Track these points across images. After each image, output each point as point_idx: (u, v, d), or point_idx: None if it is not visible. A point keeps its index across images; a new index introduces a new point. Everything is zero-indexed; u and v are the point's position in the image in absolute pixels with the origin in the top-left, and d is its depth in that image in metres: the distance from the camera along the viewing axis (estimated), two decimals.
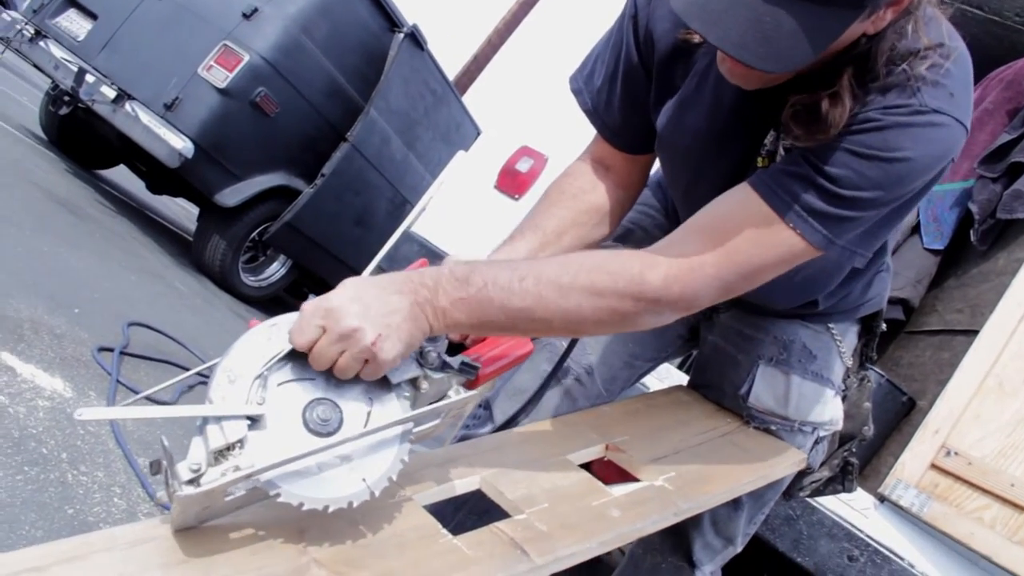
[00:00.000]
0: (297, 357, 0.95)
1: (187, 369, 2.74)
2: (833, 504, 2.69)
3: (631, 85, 1.34)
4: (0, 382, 1.77)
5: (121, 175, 6.69)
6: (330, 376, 0.96)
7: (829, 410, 1.47)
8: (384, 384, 0.99)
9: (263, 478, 0.90)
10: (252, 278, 5.58)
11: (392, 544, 1.03)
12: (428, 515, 1.09)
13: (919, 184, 1.07)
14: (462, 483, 1.18)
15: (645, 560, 1.57)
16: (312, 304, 0.94)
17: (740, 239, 1.07)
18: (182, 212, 8.32)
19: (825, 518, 2.67)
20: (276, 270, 5.76)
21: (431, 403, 1.03)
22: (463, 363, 1.04)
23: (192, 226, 5.87)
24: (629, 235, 1.53)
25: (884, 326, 1.56)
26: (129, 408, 0.90)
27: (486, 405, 1.45)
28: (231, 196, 5.01)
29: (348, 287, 0.96)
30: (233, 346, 0.93)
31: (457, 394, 1.04)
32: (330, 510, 0.95)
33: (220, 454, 0.89)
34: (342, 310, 0.92)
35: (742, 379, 1.46)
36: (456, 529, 1.08)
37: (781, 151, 1.15)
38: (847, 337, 1.50)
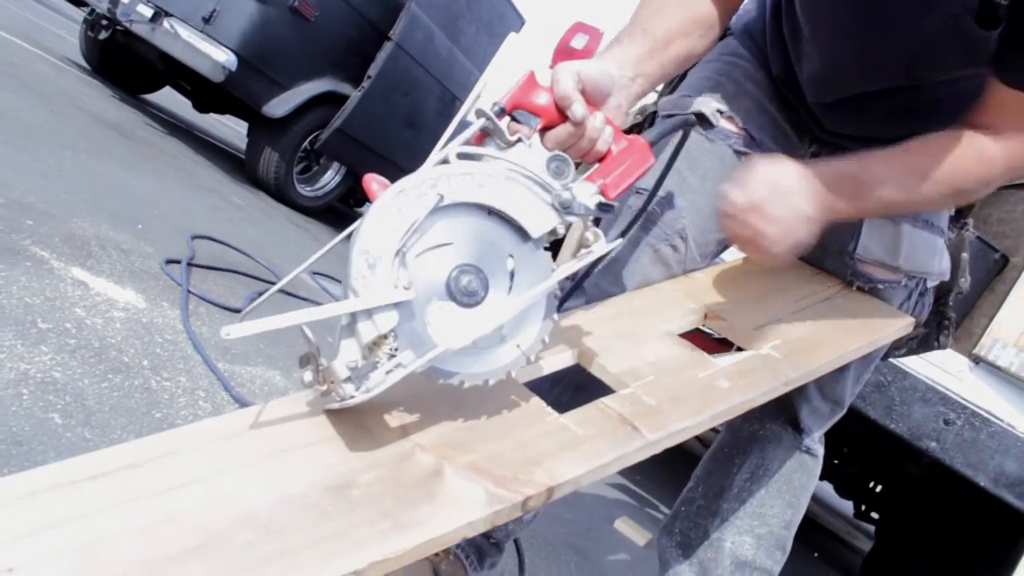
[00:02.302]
0: (430, 220, 0.88)
1: (255, 278, 2.72)
2: (926, 368, 2.60)
3: None
4: (75, 296, 1.74)
5: (167, 98, 6.65)
6: (467, 237, 0.90)
7: (938, 260, 1.37)
8: (523, 236, 0.93)
9: (422, 368, 0.86)
10: (307, 188, 5.55)
11: (497, 425, 0.97)
12: (532, 394, 1.03)
13: None
14: (561, 358, 1.12)
15: (743, 429, 1.51)
16: (742, 194, 1.11)
17: None
18: (231, 132, 8.30)
19: (918, 383, 2.59)
20: (331, 179, 5.71)
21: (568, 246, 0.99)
22: (600, 204, 0.98)
23: (242, 144, 5.82)
24: (718, 87, 1.41)
25: None
26: (276, 318, 0.83)
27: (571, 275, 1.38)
28: (279, 106, 4.94)
29: (773, 175, 1.12)
30: (363, 223, 0.85)
31: (596, 239, 0.97)
32: (490, 383, 0.93)
33: (373, 344, 0.84)
34: (769, 216, 1.10)
35: (847, 235, 1.36)
36: (554, 405, 1.03)
37: None
38: None
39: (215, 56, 4.57)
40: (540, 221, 0.93)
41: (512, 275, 0.93)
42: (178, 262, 2.37)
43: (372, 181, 0.91)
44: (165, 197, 3.24)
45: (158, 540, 0.76)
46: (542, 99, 1.00)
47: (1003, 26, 1.05)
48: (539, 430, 0.98)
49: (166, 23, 4.66)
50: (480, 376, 0.91)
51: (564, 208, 0.94)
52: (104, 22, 5.00)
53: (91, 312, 1.71)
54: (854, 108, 1.33)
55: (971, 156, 1.13)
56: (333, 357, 0.86)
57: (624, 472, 3.55)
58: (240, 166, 5.57)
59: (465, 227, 0.91)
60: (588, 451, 0.95)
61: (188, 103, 6.17)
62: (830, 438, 1.54)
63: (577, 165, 1.01)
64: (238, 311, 2.30)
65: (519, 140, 0.96)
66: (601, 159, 1.03)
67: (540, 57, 3.63)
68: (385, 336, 0.84)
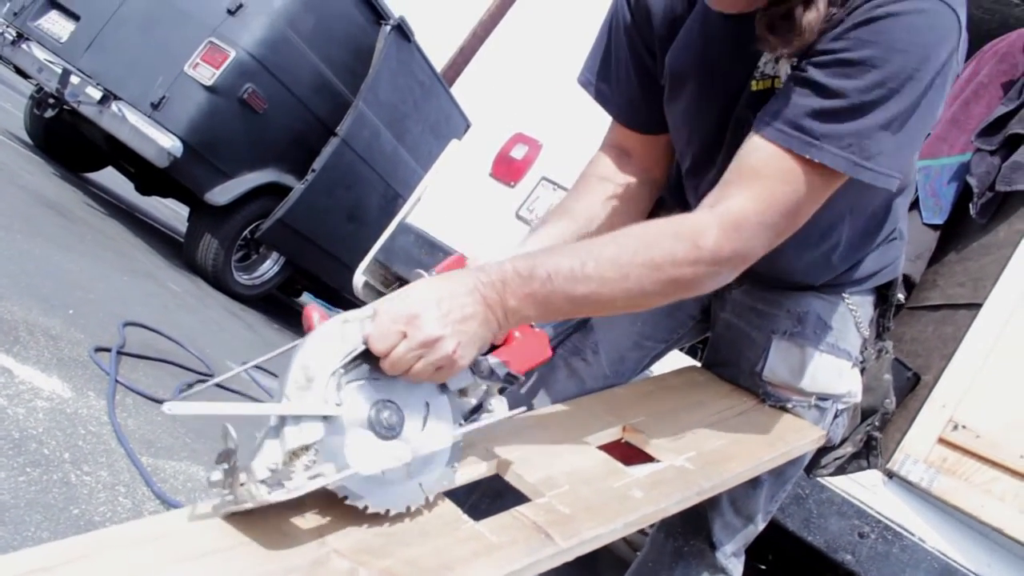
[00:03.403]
0: (366, 355, 0.95)
1: (184, 368, 2.71)
2: (842, 482, 2.68)
3: (637, 62, 1.35)
4: None
5: (109, 178, 6.63)
6: (395, 377, 0.97)
7: (845, 382, 1.45)
8: (440, 388, 1.03)
9: (335, 482, 0.92)
10: (245, 276, 5.53)
11: (413, 532, 1.00)
12: (448, 501, 1.06)
13: (924, 76, 1.03)
14: (479, 468, 1.15)
15: (667, 544, 1.54)
16: (390, 308, 0.94)
17: (771, 184, 1.06)
18: (171, 214, 8.26)
19: (834, 496, 2.66)
20: (269, 268, 5.71)
21: (472, 408, 1.08)
22: (508, 374, 1.07)
23: (182, 228, 5.81)
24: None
25: (901, 296, 1.54)
26: (219, 404, 0.88)
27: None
28: (221, 194, 4.96)
29: (423, 289, 0.97)
30: (307, 341, 0.92)
31: (498, 406, 1.08)
32: (391, 514, 0.98)
33: (295, 453, 0.89)
34: (424, 317, 0.93)
35: (757, 355, 1.44)
36: (471, 512, 1.06)
37: (782, 73, 1.13)
38: (863, 308, 1.47)
39: (161, 142, 4.60)
40: (459, 378, 1.04)
41: (426, 420, 1.01)
42: (108, 350, 2.35)
43: (313, 311, 0.99)
44: (100, 281, 3.22)
45: None
46: None
47: None
48: (455, 537, 1.01)
49: (114, 106, 4.69)
50: (382, 505, 0.97)
51: (479, 372, 1.05)
52: (51, 101, 5.01)
53: (13, 401, 1.70)
54: None
55: (669, 232, 1.08)
56: (251, 459, 0.90)
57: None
58: (178, 250, 5.55)
59: None
60: (501, 558, 0.98)
61: (130, 184, 6.16)
62: (755, 545, 1.58)
63: None
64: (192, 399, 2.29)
65: None
66: (506, 340, 1.12)
67: (482, 162, 3.73)
68: (307, 447, 0.89)
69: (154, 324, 3.00)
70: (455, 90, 6.55)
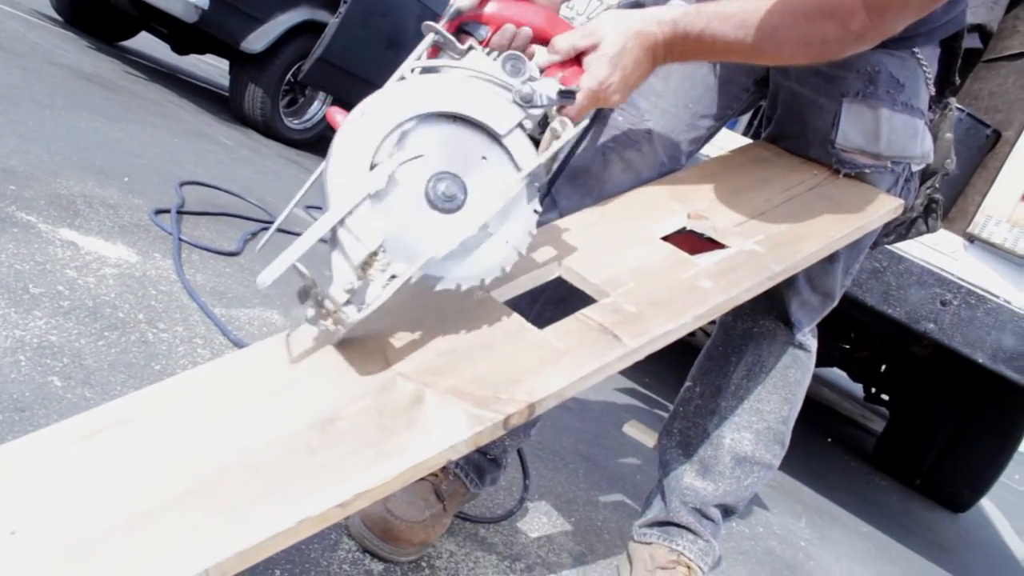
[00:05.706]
0: (397, 136, 0.90)
1: (246, 218, 2.72)
2: (919, 251, 2.59)
3: None
4: (65, 257, 1.75)
5: (145, 43, 6.53)
6: (437, 146, 0.93)
7: (920, 143, 1.35)
8: (492, 136, 0.96)
9: (416, 277, 0.89)
10: (296, 121, 5.48)
11: (477, 346, 0.99)
12: (510, 311, 1.04)
13: None
14: (540, 272, 1.12)
15: (736, 326, 1.52)
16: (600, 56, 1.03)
17: None
18: (213, 71, 8.18)
19: (913, 266, 2.59)
20: (318, 109, 5.63)
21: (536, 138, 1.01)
22: (561, 91, 1.00)
23: (226, 82, 5.74)
24: None
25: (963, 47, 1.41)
26: (293, 248, 0.86)
27: (546, 191, 1.37)
28: (257, 41, 4.84)
29: (620, 34, 1.04)
30: (332, 150, 0.88)
31: (564, 128, 1.00)
32: (487, 282, 0.96)
33: (365, 264, 0.87)
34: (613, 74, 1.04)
35: (827, 123, 1.34)
36: (536, 321, 1.04)
37: None
38: (931, 63, 1.35)
39: None
40: (504, 118, 0.96)
41: (488, 174, 0.96)
42: (167, 211, 2.37)
43: (335, 114, 0.94)
44: (151, 146, 3.22)
45: (155, 489, 0.79)
46: (489, 8, 1.02)
47: None
48: (519, 347, 0.99)
49: None
50: (475, 276, 0.94)
51: (526, 102, 0.98)
52: None
53: (82, 272, 1.72)
54: None
55: (819, 9, 1.05)
56: (329, 285, 0.88)
57: (632, 375, 3.59)
58: (225, 106, 5.51)
59: (434, 137, 0.93)
60: (569, 364, 0.97)
61: (166, 46, 6.06)
62: (838, 324, 1.54)
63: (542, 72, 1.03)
64: (232, 254, 2.31)
65: (471, 48, 1.00)
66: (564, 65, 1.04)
67: None
68: (375, 253, 0.86)
69: (210, 180, 3.00)
70: None
